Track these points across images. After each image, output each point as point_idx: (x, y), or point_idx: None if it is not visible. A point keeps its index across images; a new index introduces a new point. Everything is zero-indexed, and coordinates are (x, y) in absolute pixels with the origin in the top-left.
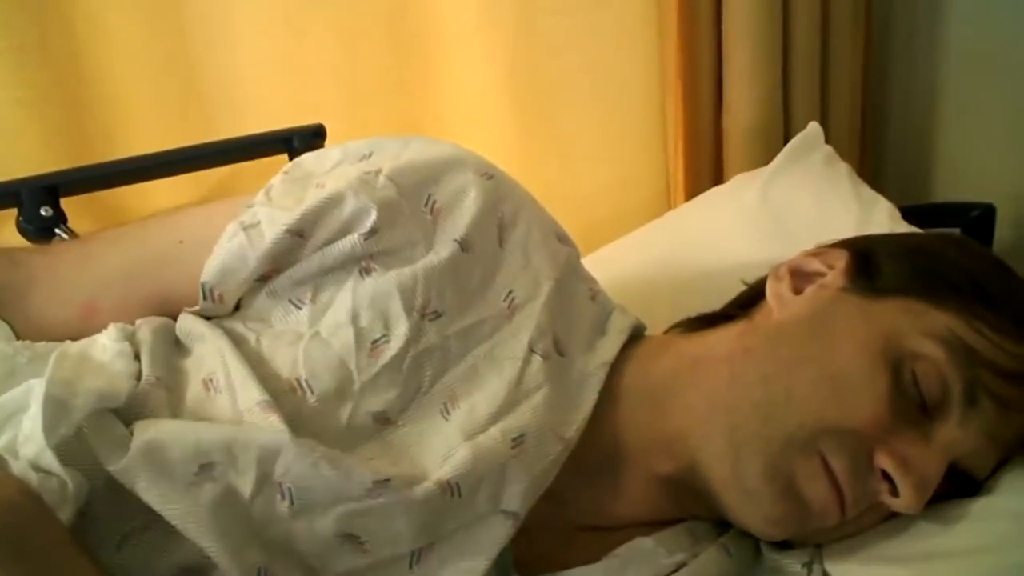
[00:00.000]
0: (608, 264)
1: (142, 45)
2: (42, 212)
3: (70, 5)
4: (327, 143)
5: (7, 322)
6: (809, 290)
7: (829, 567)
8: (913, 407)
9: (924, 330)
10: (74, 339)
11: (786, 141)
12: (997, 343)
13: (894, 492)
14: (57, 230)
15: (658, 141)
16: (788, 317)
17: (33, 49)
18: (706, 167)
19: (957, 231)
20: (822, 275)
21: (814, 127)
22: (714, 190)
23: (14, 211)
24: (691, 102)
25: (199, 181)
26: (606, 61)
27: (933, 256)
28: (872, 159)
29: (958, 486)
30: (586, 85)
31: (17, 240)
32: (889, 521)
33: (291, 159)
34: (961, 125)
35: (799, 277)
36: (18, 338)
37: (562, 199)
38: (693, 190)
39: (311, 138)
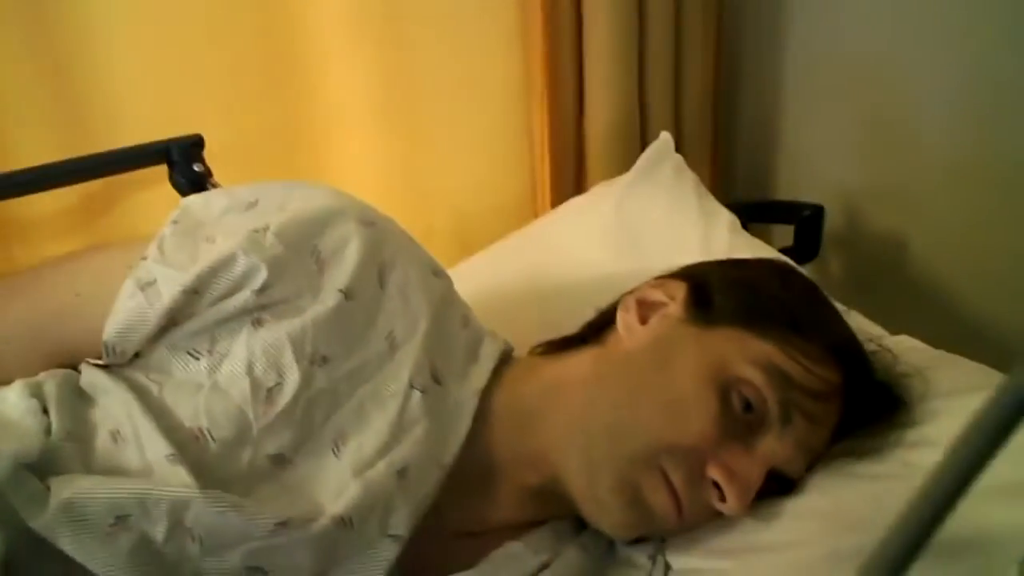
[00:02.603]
0: (479, 274)
1: (15, 59)
2: None
3: None
4: (205, 152)
5: None
6: (653, 320)
7: (671, 558)
8: (739, 424)
9: (747, 357)
10: None
11: (643, 142)
12: (808, 368)
13: (722, 498)
14: None
15: (523, 141)
16: (635, 346)
17: None
18: (570, 167)
19: (790, 227)
20: (665, 305)
21: (664, 137)
22: (576, 200)
23: None
24: (555, 107)
25: (79, 190)
26: (473, 66)
27: (756, 288)
28: (723, 159)
29: (777, 485)
30: (454, 89)
31: None
32: (721, 518)
33: (170, 169)
34: (801, 127)
35: (645, 307)
36: None
37: (434, 195)
38: (558, 188)
39: (189, 148)
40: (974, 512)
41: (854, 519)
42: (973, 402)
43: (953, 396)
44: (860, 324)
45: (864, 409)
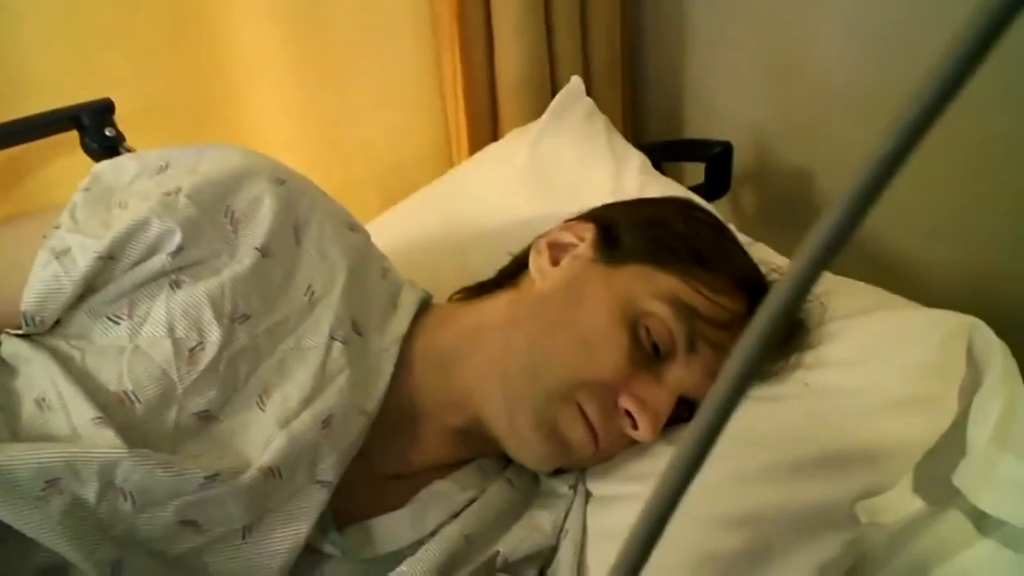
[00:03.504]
0: (397, 226)
1: None
2: None
3: None
4: (116, 116)
5: None
6: (564, 261)
7: (591, 486)
8: (648, 356)
9: (653, 292)
10: None
11: (554, 87)
12: (711, 299)
13: (635, 426)
14: None
15: (436, 90)
16: (548, 288)
17: None
18: (485, 115)
19: (702, 165)
20: (575, 246)
21: (575, 82)
22: (490, 147)
23: None
24: (466, 56)
25: None
26: (383, 17)
27: (662, 226)
28: (633, 101)
29: (687, 412)
30: (365, 40)
31: None
32: (636, 446)
33: (81, 135)
34: (708, 67)
35: (556, 249)
36: None
37: (350, 147)
38: (474, 135)
39: (100, 113)
40: (868, 427)
41: (757, 439)
42: (869, 323)
43: (850, 318)
44: (764, 255)
45: None
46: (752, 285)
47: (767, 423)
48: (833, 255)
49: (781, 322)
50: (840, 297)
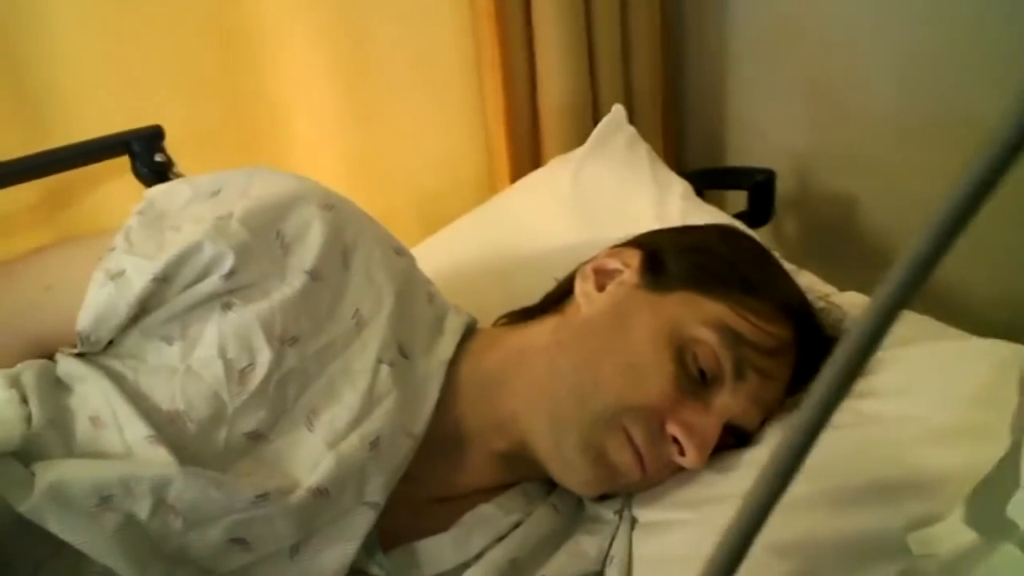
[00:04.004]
0: (441, 251)
1: None
2: None
3: None
4: (166, 142)
5: None
6: (610, 287)
7: (637, 512)
8: (695, 382)
9: (700, 319)
10: None
11: (596, 116)
12: (758, 326)
13: (682, 452)
14: None
15: (479, 119)
16: (594, 313)
17: None
18: (526, 143)
19: (744, 193)
20: (620, 272)
21: (617, 110)
22: (534, 174)
23: None
24: (509, 85)
25: (40, 184)
26: (426, 47)
27: (707, 253)
28: (674, 129)
29: (734, 439)
30: (408, 69)
31: None
32: (683, 473)
33: (132, 161)
34: (750, 94)
35: (602, 275)
36: None
37: (393, 176)
38: (516, 163)
39: (150, 140)
40: (920, 456)
41: (807, 467)
42: (919, 352)
43: (899, 347)
44: (810, 282)
45: (815, 363)
46: (798, 312)
47: (818, 452)
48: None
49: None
50: None
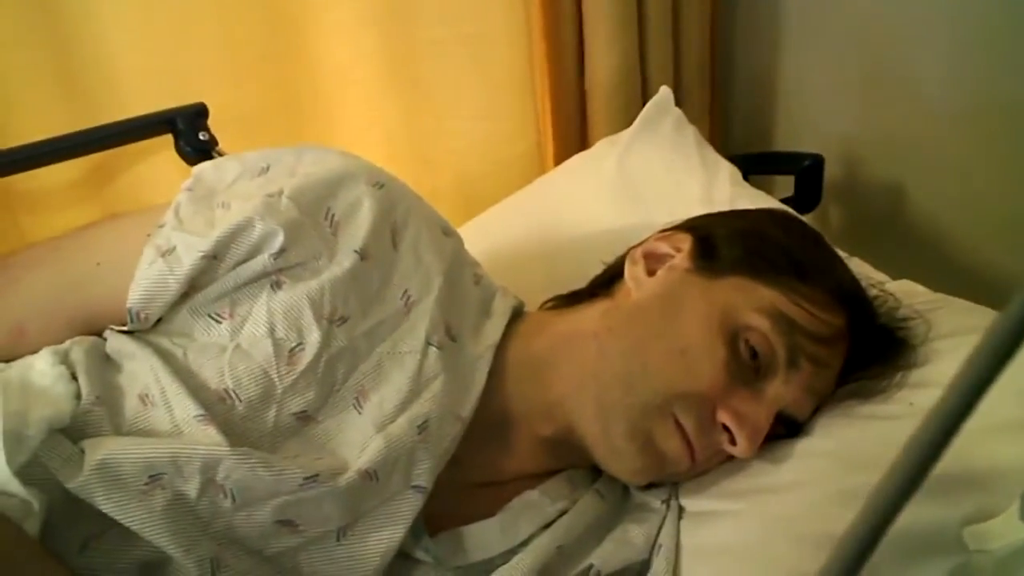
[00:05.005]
0: (485, 233)
1: (18, 36)
2: None
3: None
4: (209, 121)
5: None
6: (660, 272)
7: (684, 502)
8: (747, 370)
9: (753, 305)
10: (4, 361)
11: (644, 97)
12: (812, 313)
13: (732, 441)
14: None
15: (527, 99)
16: (643, 297)
17: None
18: (573, 124)
19: (791, 178)
20: (671, 257)
21: (664, 92)
22: (579, 156)
23: None
24: (556, 65)
25: (85, 160)
26: (475, 27)
27: (760, 237)
28: (721, 112)
29: (785, 428)
30: (456, 49)
31: None
32: (732, 462)
33: (175, 138)
34: (799, 78)
35: (652, 259)
36: None
37: (438, 157)
38: (562, 146)
39: (194, 118)
40: (978, 449)
41: (860, 458)
42: (973, 342)
43: (955, 336)
44: (862, 270)
45: (869, 352)
46: (852, 299)
47: (870, 443)
48: None
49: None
50: (944, 315)
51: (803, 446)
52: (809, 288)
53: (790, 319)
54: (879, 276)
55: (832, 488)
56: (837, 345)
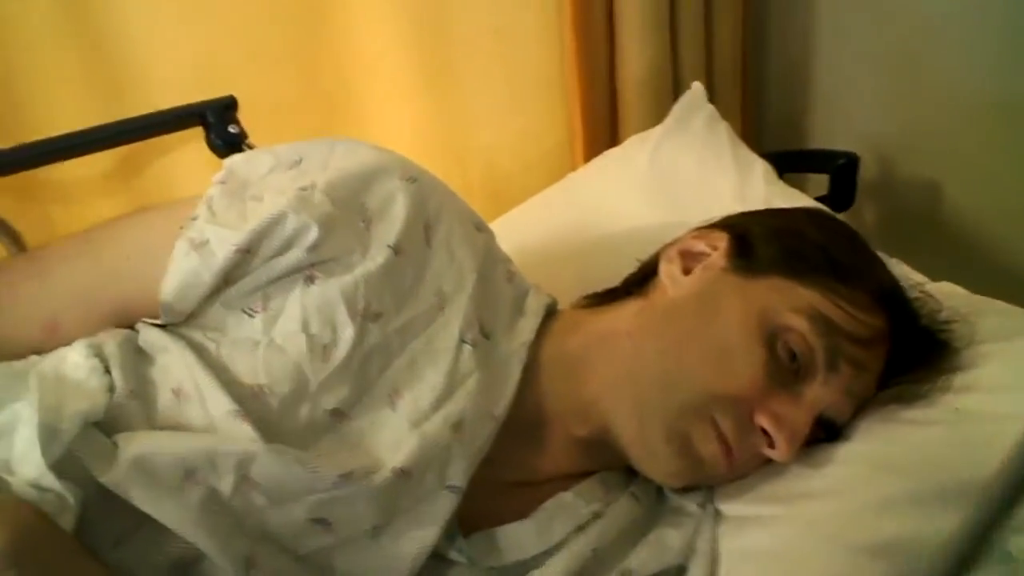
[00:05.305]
0: (515, 230)
1: (49, 26)
2: None
3: None
4: (239, 114)
5: None
6: (696, 270)
7: (721, 506)
8: (785, 372)
9: (792, 306)
10: (37, 353)
11: (675, 93)
12: (852, 314)
13: (771, 444)
14: None
15: (558, 95)
16: (679, 296)
17: None
18: (603, 120)
19: (824, 176)
20: (707, 255)
21: (697, 88)
22: (610, 152)
23: None
24: (586, 61)
25: (114, 152)
26: (507, 21)
27: (798, 236)
28: (753, 109)
29: (824, 432)
30: (488, 44)
31: None
32: (769, 467)
33: (206, 131)
34: (833, 75)
35: (688, 258)
36: None
37: (469, 152)
38: (592, 142)
39: (223, 110)
40: None
41: (903, 464)
42: (1019, 346)
43: (999, 341)
44: (901, 271)
45: (910, 355)
46: (893, 301)
47: (914, 449)
48: None
49: None
50: (988, 318)
51: (843, 451)
52: (848, 289)
53: (829, 320)
54: (918, 277)
55: (873, 495)
56: (877, 347)
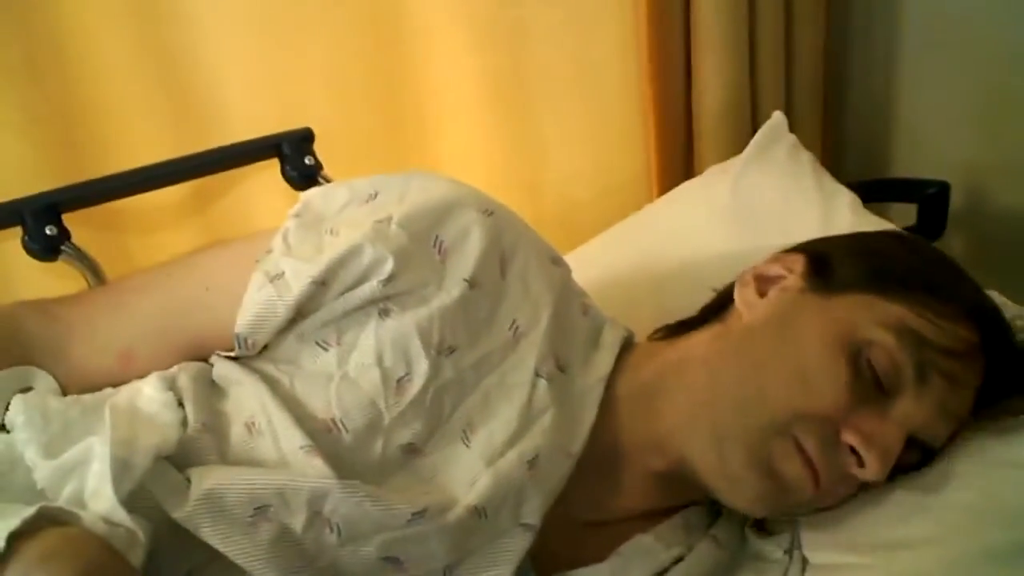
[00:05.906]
0: (591, 263)
1: (129, 59)
2: (47, 231)
3: (55, 23)
4: (315, 146)
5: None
6: (772, 293)
7: (808, 553)
8: (871, 388)
9: (876, 320)
10: (113, 385)
11: (754, 122)
12: (942, 327)
13: (861, 464)
14: (63, 247)
15: (636, 125)
16: (755, 320)
17: (20, 69)
18: (678, 151)
19: (908, 206)
20: (783, 278)
21: (778, 117)
22: (688, 184)
23: (18, 229)
24: (662, 86)
25: (191, 183)
26: (584, 47)
27: (881, 255)
28: (834, 136)
29: (918, 454)
30: (564, 71)
31: (21, 257)
32: (859, 512)
33: (281, 163)
34: (917, 101)
35: (763, 282)
36: (60, 387)
37: (543, 183)
38: (666, 172)
39: (300, 142)
40: None
41: (1007, 512)
42: None
43: None
44: (999, 301)
45: (1007, 378)
46: (986, 316)
47: (1018, 494)
48: None
49: None
50: None
51: (941, 497)
52: (938, 302)
53: (917, 333)
54: (1015, 309)
55: (975, 546)
56: (971, 361)
